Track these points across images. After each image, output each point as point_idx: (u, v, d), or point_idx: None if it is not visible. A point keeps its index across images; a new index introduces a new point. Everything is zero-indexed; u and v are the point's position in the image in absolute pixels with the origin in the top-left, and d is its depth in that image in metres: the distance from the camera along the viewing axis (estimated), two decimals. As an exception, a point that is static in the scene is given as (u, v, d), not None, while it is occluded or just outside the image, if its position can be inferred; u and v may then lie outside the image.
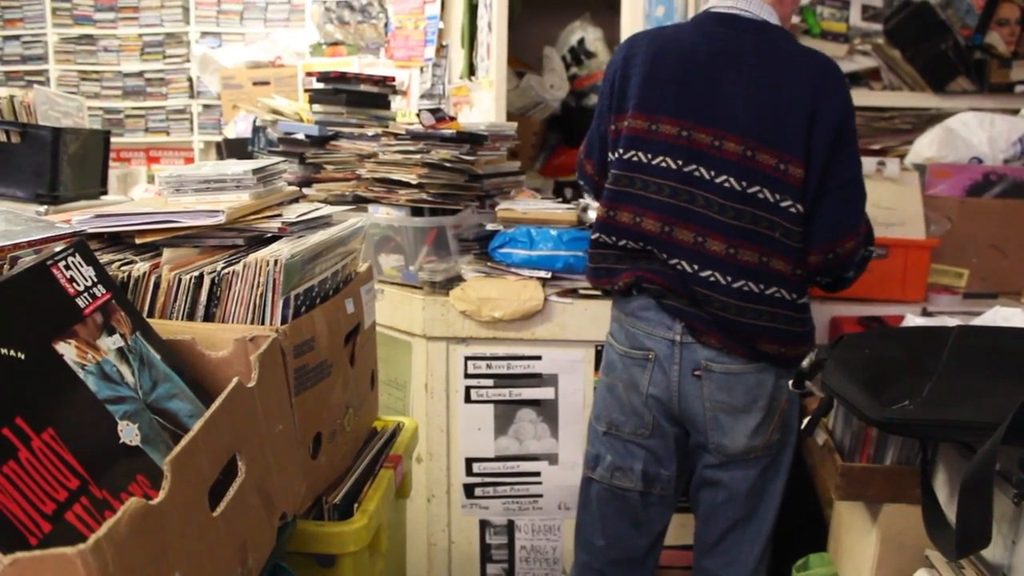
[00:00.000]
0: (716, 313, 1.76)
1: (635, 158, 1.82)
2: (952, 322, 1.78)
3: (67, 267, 0.99)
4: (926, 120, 2.86)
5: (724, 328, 1.77)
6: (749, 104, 1.73)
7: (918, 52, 2.76)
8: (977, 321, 1.86)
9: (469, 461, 2.29)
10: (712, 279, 1.76)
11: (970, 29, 2.77)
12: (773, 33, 1.79)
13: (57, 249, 1.00)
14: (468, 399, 2.26)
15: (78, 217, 1.33)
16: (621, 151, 1.85)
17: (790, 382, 1.70)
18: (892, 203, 2.44)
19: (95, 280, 1.03)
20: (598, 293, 2.22)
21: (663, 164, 1.79)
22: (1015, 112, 2.85)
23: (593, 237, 1.93)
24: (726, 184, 1.74)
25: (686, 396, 1.83)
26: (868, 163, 2.46)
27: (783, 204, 1.73)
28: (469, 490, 2.30)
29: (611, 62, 1.93)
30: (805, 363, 1.71)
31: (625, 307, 1.89)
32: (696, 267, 1.77)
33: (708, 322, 1.78)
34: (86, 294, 1.00)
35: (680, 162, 1.77)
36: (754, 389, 1.80)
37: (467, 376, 2.25)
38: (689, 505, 2.46)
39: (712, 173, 1.75)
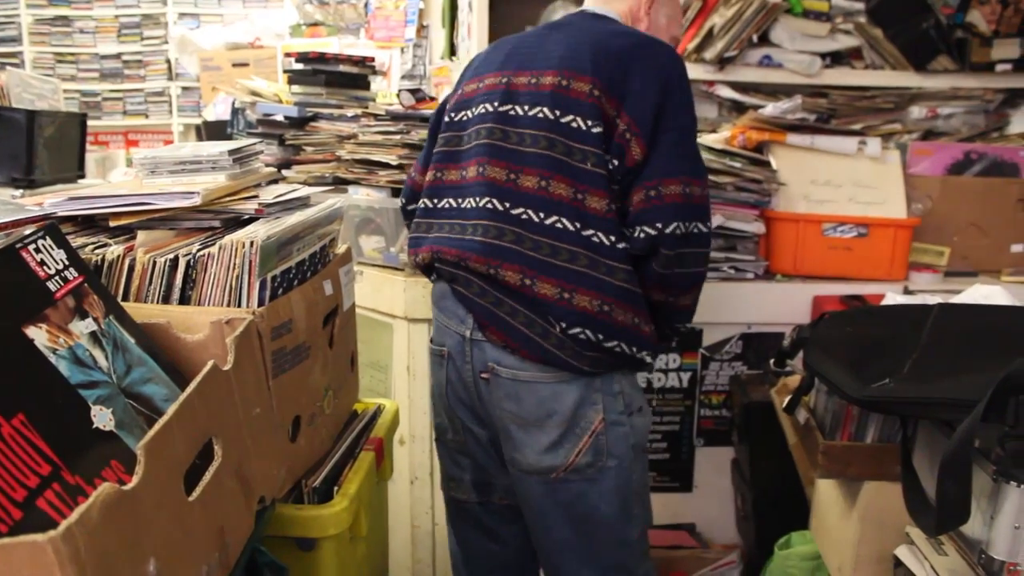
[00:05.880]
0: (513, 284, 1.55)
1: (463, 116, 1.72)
2: (933, 300, 1.78)
3: (37, 250, 0.98)
4: (907, 99, 2.86)
5: (509, 321, 1.57)
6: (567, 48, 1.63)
7: (900, 31, 2.75)
8: (957, 299, 1.86)
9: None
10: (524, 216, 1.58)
11: (952, 8, 2.77)
12: (603, 20, 1.72)
13: (27, 232, 0.98)
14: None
15: (51, 200, 1.31)
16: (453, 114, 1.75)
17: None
18: (873, 182, 2.45)
19: (66, 263, 1.01)
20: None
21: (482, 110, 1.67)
22: (996, 91, 2.85)
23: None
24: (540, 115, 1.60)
25: (483, 399, 1.66)
26: (849, 142, 2.47)
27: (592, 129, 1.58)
28: (452, 472, 2.29)
29: None
30: (786, 342, 1.71)
31: (432, 294, 1.75)
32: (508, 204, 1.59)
33: (493, 316, 1.59)
34: (57, 277, 0.99)
35: (496, 104, 1.64)
36: (548, 402, 1.58)
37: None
38: (674, 484, 2.48)
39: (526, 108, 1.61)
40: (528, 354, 1.56)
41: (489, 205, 1.59)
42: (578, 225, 1.54)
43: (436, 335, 1.73)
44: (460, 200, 1.66)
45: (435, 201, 1.72)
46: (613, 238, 1.54)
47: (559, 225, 1.54)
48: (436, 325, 1.73)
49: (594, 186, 1.54)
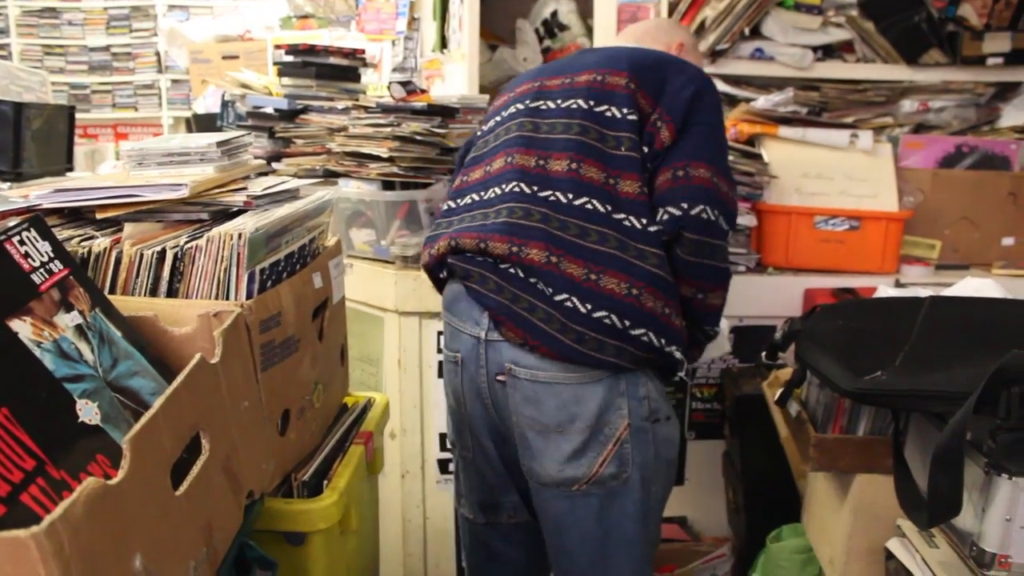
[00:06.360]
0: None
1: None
2: (924, 293, 1.78)
3: (22, 242, 0.96)
4: (899, 92, 2.86)
5: (527, 316, 1.50)
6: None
7: (891, 24, 2.75)
8: (949, 292, 1.86)
9: (443, 436, 2.27)
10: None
11: (943, 1, 2.77)
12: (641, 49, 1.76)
13: (11, 224, 0.97)
14: (441, 374, 2.24)
15: (36, 192, 1.30)
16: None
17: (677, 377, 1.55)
18: (865, 175, 2.45)
19: (52, 256, 1.00)
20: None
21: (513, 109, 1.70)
22: (987, 84, 2.85)
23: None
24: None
25: (499, 406, 1.58)
26: (841, 135, 2.46)
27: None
28: (443, 466, 2.29)
29: None
30: (778, 335, 1.71)
31: (444, 298, 1.69)
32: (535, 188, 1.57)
33: (510, 312, 1.51)
34: (42, 270, 0.97)
35: (527, 101, 1.68)
36: (570, 406, 1.50)
37: (440, 351, 2.23)
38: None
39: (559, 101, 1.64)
40: (548, 351, 1.48)
41: (516, 189, 1.56)
42: (609, 208, 1.51)
43: (449, 341, 1.65)
44: (484, 192, 1.62)
45: (458, 201, 1.68)
46: (645, 221, 1.51)
47: (589, 206, 1.51)
48: (449, 331, 1.65)
49: (627, 170, 1.53)
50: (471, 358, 1.58)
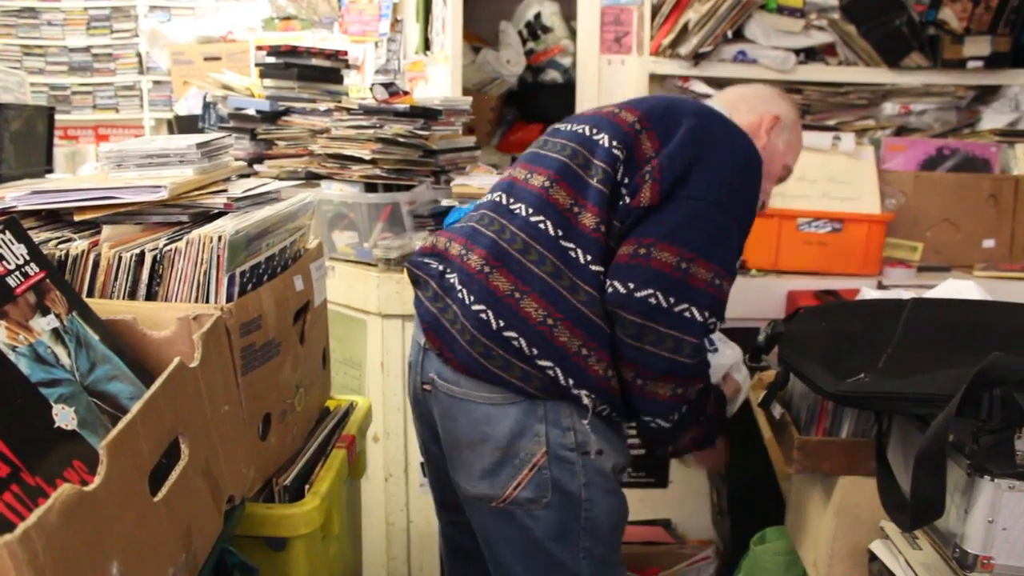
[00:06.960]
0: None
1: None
2: (907, 295, 1.79)
3: (-4, 245, 0.95)
4: (881, 95, 2.87)
5: (449, 328, 1.52)
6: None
7: (873, 28, 2.76)
8: (931, 294, 1.87)
9: (426, 440, 2.26)
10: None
11: (924, 5, 2.78)
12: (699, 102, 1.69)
13: (-14, 226, 0.96)
14: (425, 378, 2.23)
15: (12, 194, 1.28)
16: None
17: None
18: (847, 177, 2.46)
19: (27, 258, 0.99)
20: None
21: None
22: (967, 87, 2.87)
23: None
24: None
25: (431, 413, 1.60)
26: (824, 138, 2.47)
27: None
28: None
29: None
30: (761, 337, 1.71)
31: None
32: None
33: (437, 322, 1.53)
34: (17, 273, 0.96)
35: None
36: (481, 425, 1.48)
37: (423, 354, 2.22)
38: (649, 480, 2.47)
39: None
40: (458, 365, 1.48)
41: (498, 199, 1.59)
42: (560, 232, 1.47)
43: (411, 344, 1.70)
44: (490, 196, 1.65)
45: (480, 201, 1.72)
46: (590, 257, 1.45)
47: (541, 225, 1.49)
48: (412, 334, 1.68)
49: (592, 202, 1.47)
50: (415, 363, 1.62)
